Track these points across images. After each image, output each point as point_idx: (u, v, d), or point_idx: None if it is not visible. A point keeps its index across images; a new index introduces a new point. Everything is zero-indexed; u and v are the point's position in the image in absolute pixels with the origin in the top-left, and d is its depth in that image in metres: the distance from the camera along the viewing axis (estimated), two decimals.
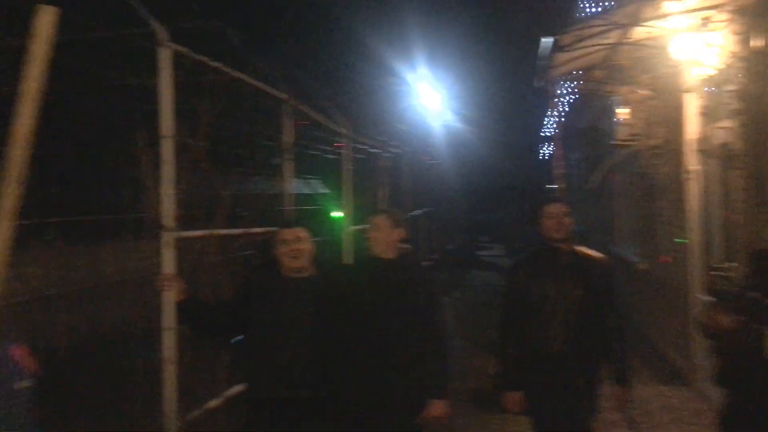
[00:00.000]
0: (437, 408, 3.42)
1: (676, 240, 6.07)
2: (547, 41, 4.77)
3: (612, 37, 4.77)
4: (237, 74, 3.85)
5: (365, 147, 8.21)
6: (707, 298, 5.48)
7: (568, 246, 3.56)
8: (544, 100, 13.87)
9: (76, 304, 9.13)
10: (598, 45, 4.86)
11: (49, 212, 8.06)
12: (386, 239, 3.57)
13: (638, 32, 4.41)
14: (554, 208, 3.54)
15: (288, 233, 3.30)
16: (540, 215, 3.56)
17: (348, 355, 3.41)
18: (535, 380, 3.57)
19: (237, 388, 3.94)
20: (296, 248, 3.27)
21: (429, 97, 12.34)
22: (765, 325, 2.98)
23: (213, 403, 3.86)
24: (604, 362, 3.61)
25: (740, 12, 4.08)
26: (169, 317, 3.25)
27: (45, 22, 1.03)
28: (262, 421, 3.26)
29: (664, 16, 4.21)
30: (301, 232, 3.32)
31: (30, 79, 1.01)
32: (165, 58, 3.09)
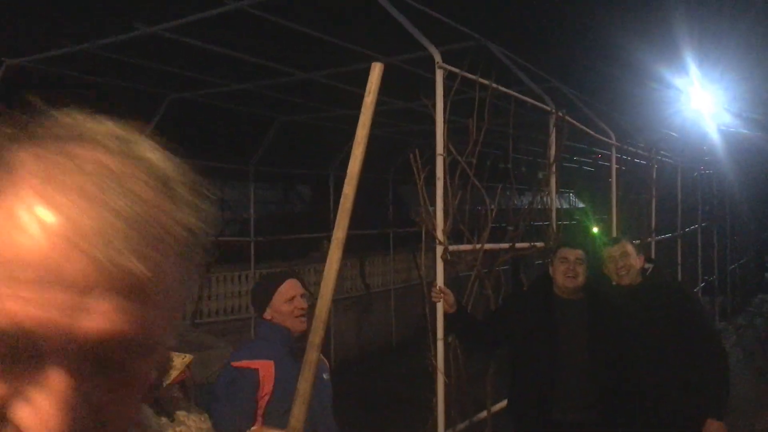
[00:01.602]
0: (713, 428, 3.20)
1: None
2: None
3: None
4: (504, 89, 3.88)
5: (629, 158, 7.69)
6: None
7: None
8: None
9: (347, 310, 10.03)
10: None
11: (327, 227, 9.01)
12: (636, 266, 3.48)
13: None
14: None
15: (569, 252, 3.30)
16: None
17: (623, 380, 3.27)
18: None
19: (502, 404, 3.95)
20: (575, 269, 3.25)
21: (703, 100, 11.18)
22: None
23: (480, 415, 3.90)
24: None
25: None
26: (440, 328, 3.36)
27: (375, 76, 1.18)
28: None
29: None
30: (581, 254, 3.30)
31: (362, 127, 1.16)
32: (440, 79, 3.24)
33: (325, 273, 1.11)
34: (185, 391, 1.49)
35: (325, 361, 2.67)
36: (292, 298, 2.51)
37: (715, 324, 3.16)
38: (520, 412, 3.36)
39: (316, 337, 1.11)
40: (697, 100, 10.78)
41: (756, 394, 7.53)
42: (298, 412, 1.09)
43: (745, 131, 13.26)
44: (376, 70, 1.16)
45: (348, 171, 1.13)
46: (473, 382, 3.98)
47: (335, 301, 9.49)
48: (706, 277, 11.03)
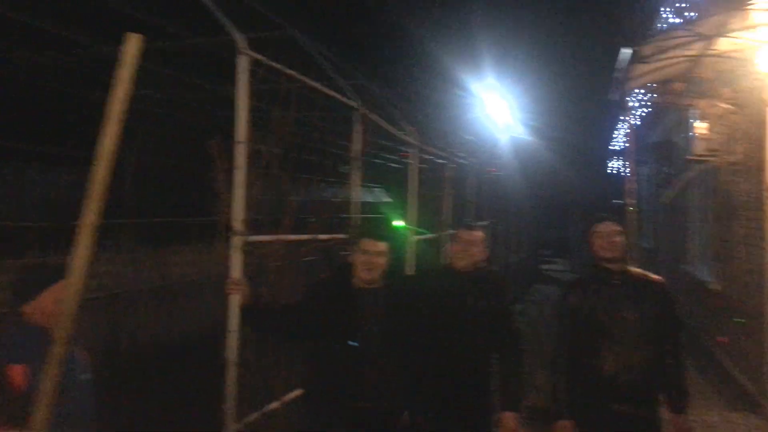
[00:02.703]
0: (509, 421, 3.44)
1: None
2: (626, 52, 4.61)
3: (694, 49, 4.58)
4: (310, 82, 3.91)
5: (431, 157, 8.17)
6: None
7: (621, 267, 3.44)
8: (616, 113, 13.44)
9: (144, 303, 9.45)
10: (680, 57, 4.67)
11: (122, 213, 8.40)
12: (479, 255, 3.57)
13: (722, 44, 4.22)
14: (605, 227, 3.44)
15: (370, 245, 3.31)
16: (591, 234, 3.48)
17: (425, 366, 3.44)
18: (589, 407, 3.47)
19: (295, 393, 3.98)
20: (375, 261, 3.28)
21: (496, 108, 12.22)
22: None
23: (272, 406, 3.89)
24: (662, 388, 3.46)
25: None
26: (233, 320, 3.30)
27: (131, 48, 1.09)
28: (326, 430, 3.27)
29: (752, 27, 4.01)
30: (383, 246, 3.32)
31: (115, 102, 1.06)
32: (243, 65, 3.17)
33: (73, 262, 1.02)
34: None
35: (86, 357, 2.45)
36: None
37: (516, 319, 3.49)
38: (319, 401, 3.34)
39: (61, 332, 1.02)
40: (491, 107, 11.76)
41: (528, 373, 8.42)
42: (41, 413, 0.99)
43: (528, 138, 14.73)
44: (132, 42, 1.08)
45: (99, 150, 1.04)
46: (268, 373, 3.96)
47: (132, 294, 8.88)
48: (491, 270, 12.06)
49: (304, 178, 4.17)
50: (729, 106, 5.91)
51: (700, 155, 6.48)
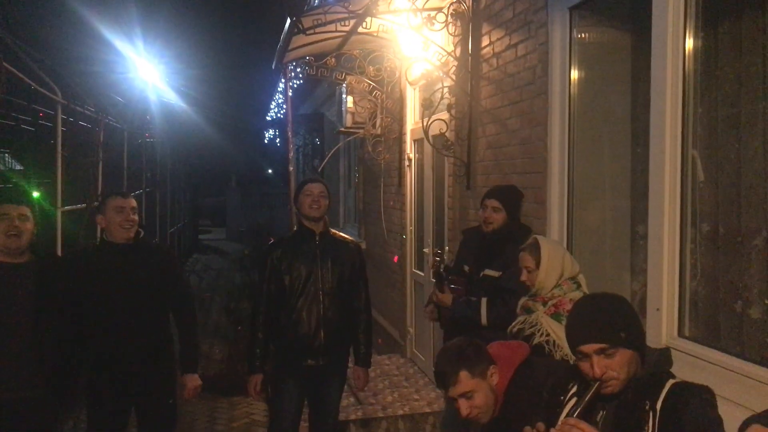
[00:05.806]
0: (193, 380, 3.51)
1: (402, 236, 6.69)
2: (287, 23, 4.79)
3: (348, 26, 5.00)
4: None
5: (76, 120, 7.36)
6: (421, 273, 6.14)
7: (323, 227, 3.69)
8: (274, 84, 13.94)
9: None
10: (334, 32, 5.05)
11: None
12: (135, 222, 3.41)
13: (372, 24, 4.71)
14: (315, 188, 3.66)
15: (10, 208, 2.96)
16: (300, 192, 3.67)
17: (97, 341, 3.27)
18: (284, 362, 3.66)
19: None
20: (18, 226, 2.94)
21: (148, 72, 11.61)
22: (478, 296, 3.43)
23: None
24: (351, 342, 3.82)
25: (456, 16, 4.61)
26: None
27: None
28: None
29: (395, 11, 4.55)
30: (26, 210, 3.01)
31: None
32: None
33: None
34: None
35: None
36: None
37: (188, 282, 3.43)
38: None
39: None
40: (143, 70, 11.11)
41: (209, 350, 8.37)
42: None
43: (182, 104, 14.35)
44: None
45: None
46: None
47: None
48: (150, 240, 11.54)
49: None
50: (373, 83, 6.64)
51: (349, 128, 7.17)
